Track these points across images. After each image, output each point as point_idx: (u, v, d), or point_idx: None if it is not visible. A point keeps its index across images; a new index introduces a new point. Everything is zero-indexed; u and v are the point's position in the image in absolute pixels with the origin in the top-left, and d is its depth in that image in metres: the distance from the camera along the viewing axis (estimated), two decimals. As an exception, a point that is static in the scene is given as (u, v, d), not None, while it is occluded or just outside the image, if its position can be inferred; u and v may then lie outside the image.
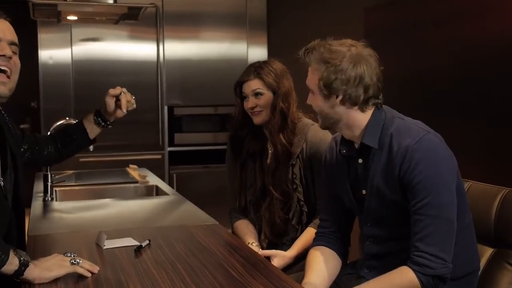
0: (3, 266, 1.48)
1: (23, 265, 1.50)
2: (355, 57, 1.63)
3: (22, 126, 5.90)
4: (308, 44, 1.68)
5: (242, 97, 2.26)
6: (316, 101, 1.68)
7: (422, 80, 3.08)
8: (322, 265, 1.80)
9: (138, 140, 4.77)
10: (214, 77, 4.86)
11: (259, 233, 2.29)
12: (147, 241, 1.90)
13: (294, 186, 2.20)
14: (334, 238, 1.88)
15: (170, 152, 4.82)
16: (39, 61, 4.56)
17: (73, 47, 4.58)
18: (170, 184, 4.63)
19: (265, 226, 2.25)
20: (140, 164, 3.93)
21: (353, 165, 1.75)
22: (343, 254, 1.89)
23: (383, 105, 1.72)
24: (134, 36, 4.73)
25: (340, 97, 1.64)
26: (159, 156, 4.78)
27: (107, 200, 2.78)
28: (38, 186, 2.99)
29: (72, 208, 2.57)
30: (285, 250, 2.15)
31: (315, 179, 2.19)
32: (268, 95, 2.20)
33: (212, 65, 4.89)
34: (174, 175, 4.77)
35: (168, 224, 2.23)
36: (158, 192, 3.10)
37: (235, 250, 1.85)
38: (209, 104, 4.91)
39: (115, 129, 5.18)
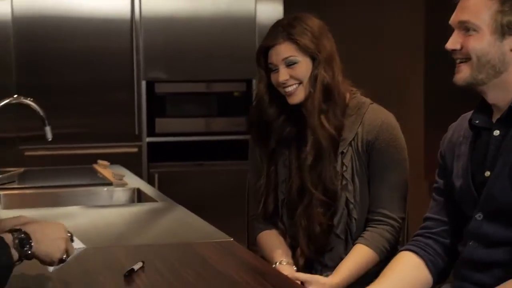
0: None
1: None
2: None
3: None
4: None
5: (268, 69, 2.26)
6: (477, 41, 1.78)
7: None
8: (395, 279, 1.93)
9: (105, 128, 4.74)
10: (210, 42, 4.84)
11: (293, 247, 2.31)
12: (140, 263, 1.90)
13: (344, 183, 2.22)
14: (432, 243, 1.98)
15: (149, 143, 4.80)
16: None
17: (14, 0, 4.54)
18: (150, 187, 4.60)
19: (301, 237, 2.27)
20: (109, 159, 3.88)
21: (484, 139, 1.86)
22: (438, 268, 1.97)
23: None
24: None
25: None
26: (135, 150, 4.75)
27: (73, 208, 2.78)
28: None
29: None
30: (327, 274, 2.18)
31: (371, 177, 2.21)
32: (305, 63, 2.22)
33: (207, 25, 4.85)
34: (156, 175, 4.73)
35: (164, 242, 2.25)
36: (141, 197, 3.10)
37: (263, 276, 1.85)
38: (202, 79, 4.90)
39: (73, 113, 5.03)
